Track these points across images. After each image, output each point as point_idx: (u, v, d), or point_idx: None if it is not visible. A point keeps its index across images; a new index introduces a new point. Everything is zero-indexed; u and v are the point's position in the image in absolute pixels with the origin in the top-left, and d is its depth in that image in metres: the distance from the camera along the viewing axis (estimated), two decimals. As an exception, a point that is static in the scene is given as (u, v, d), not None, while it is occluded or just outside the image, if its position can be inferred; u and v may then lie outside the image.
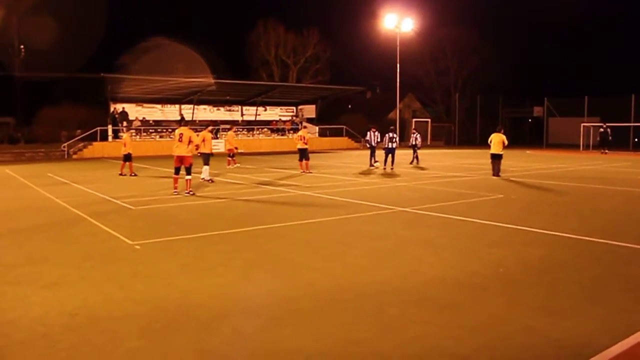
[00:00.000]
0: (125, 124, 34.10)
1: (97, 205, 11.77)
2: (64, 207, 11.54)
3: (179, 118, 36.02)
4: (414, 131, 24.96)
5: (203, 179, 15.95)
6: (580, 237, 8.07)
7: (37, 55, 40.22)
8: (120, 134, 30.56)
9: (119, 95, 33.63)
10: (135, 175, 18.32)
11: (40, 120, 35.35)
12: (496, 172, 17.29)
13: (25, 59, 39.66)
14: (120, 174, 18.55)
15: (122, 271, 6.34)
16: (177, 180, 13.22)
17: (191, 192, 13.02)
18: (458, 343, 4.24)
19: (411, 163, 23.12)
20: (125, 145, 18.74)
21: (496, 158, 17.44)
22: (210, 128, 18.12)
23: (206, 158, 16.16)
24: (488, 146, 17.97)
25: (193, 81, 33.13)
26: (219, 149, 32.23)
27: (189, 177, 13.14)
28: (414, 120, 48.09)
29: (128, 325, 4.64)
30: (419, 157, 23.77)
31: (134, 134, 31.86)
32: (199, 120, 37.63)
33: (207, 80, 33.18)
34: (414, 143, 23.88)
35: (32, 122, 36.75)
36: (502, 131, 18.01)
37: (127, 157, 18.63)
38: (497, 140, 17.43)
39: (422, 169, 21.07)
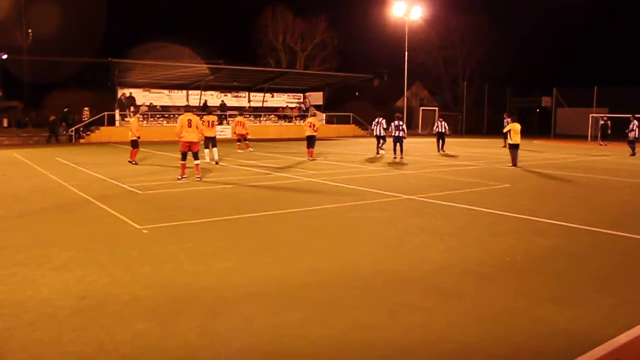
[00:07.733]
0: (132, 108, 34.13)
1: (105, 189, 11.82)
2: (72, 190, 11.60)
3: (185, 104, 36.15)
4: (441, 119, 24.79)
5: (216, 162, 17.01)
6: (587, 227, 8.04)
7: (46, 39, 40.23)
8: (127, 118, 30.56)
9: (127, 81, 33.68)
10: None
11: (48, 105, 35.41)
12: (515, 162, 17.15)
13: (33, 43, 39.69)
14: (135, 163, 17.39)
15: (129, 254, 6.38)
16: (185, 167, 13.13)
17: (200, 177, 13.05)
18: (463, 330, 4.25)
19: (442, 150, 23.47)
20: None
21: (517, 148, 17.31)
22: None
23: (213, 141, 17.18)
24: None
25: (197, 67, 33.08)
26: (225, 134, 32.28)
27: (197, 161, 13.10)
28: (421, 108, 47.91)
29: (135, 307, 4.68)
30: (443, 145, 23.95)
31: (141, 118, 31.75)
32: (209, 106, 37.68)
33: (210, 66, 33.12)
34: (442, 130, 23.87)
35: (40, 106, 36.82)
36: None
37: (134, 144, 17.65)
38: (516, 129, 17.26)
39: (451, 156, 21.25)
